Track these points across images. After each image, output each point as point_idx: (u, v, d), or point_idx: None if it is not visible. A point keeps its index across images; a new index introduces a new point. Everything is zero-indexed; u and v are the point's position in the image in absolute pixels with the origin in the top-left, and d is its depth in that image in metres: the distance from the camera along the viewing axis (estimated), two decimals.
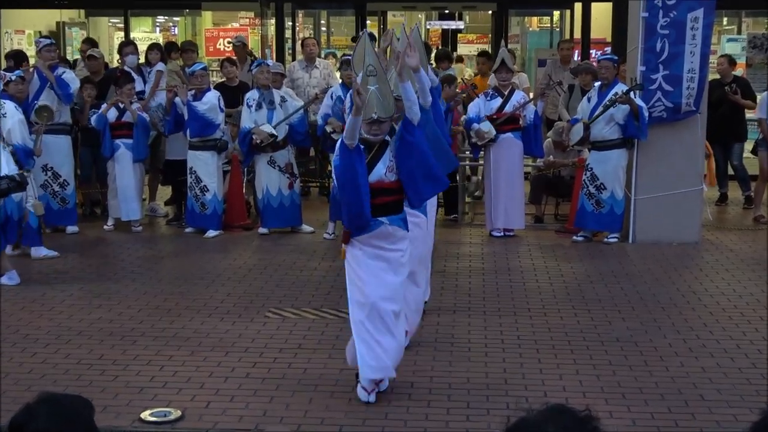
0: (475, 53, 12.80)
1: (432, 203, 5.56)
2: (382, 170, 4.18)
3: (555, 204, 9.40)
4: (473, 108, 8.51)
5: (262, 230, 8.51)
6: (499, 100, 8.44)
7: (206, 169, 8.45)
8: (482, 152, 8.56)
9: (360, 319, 4.22)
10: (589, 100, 8.27)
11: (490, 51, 11.89)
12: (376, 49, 4.41)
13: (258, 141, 8.32)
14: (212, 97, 8.42)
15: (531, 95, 9.25)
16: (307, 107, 8.71)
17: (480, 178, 10.52)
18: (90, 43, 10.36)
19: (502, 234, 8.43)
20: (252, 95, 8.45)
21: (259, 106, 8.38)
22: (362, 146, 4.16)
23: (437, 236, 7.55)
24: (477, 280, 6.84)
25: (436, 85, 5.86)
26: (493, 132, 8.34)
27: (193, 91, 8.44)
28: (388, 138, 4.25)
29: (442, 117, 5.63)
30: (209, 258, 7.57)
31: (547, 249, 7.94)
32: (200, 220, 8.52)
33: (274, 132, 8.34)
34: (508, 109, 8.37)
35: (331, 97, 8.29)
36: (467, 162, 9.42)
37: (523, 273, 7.07)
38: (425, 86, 5.04)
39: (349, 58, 8.19)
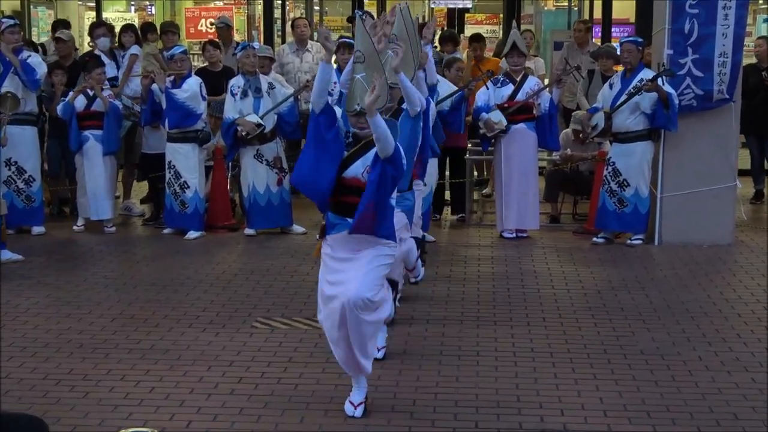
0: (486, 36, 12.77)
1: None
2: (360, 169, 4.17)
3: (573, 202, 9.41)
4: (481, 96, 8.50)
5: (249, 231, 8.52)
6: (510, 87, 8.43)
7: (186, 163, 8.45)
8: (491, 145, 8.59)
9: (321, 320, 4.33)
10: (611, 86, 8.27)
11: (501, 33, 11.89)
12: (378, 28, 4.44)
13: (243, 133, 8.33)
14: (193, 83, 8.43)
15: (546, 82, 9.26)
16: (298, 95, 8.72)
17: (486, 175, 10.55)
18: (63, 24, 10.33)
19: (514, 235, 8.43)
20: (237, 82, 8.45)
21: (244, 94, 8.39)
22: (350, 139, 4.18)
23: (443, 238, 7.56)
24: (486, 287, 6.85)
25: (433, 84, 5.89)
26: (504, 122, 8.33)
27: (172, 77, 8.45)
28: None
29: (429, 128, 5.74)
30: (190, 262, 7.58)
31: (563, 252, 7.95)
32: (180, 219, 8.53)
33: (261, 122, 8.35)
34: (520, 97, 8.37)
35: None
36: (476, 156, 9.43)
37: (538, 278, 7.08)
38: (409, 92, 5.08)
39: (346, 41, 8.22)
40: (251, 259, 7.70)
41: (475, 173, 10.23)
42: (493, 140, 8.49)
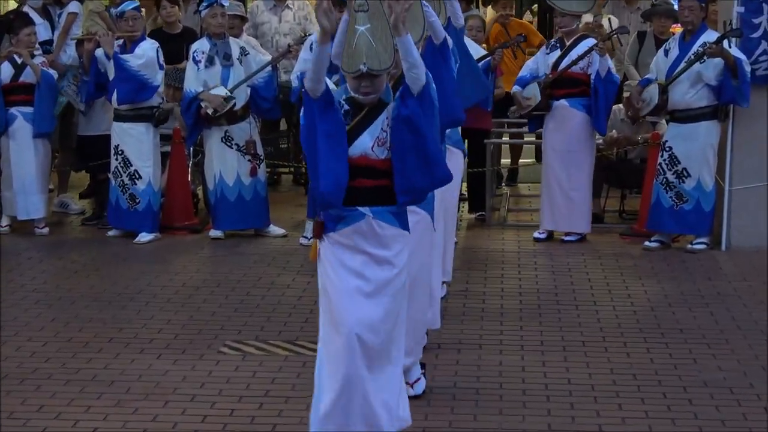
0: None
1: (449, 192, 5.58)
2: (368, 143, 4.23)
3: (620, 197, 9.41)
4: (530, 65, 8.53)
5: (215, 233, 8.52)
6: (557, 53, 8.41)
7: (138, 148, 8.46)
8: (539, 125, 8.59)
9: (328, 341, 4.26)
10: (666, 53, 8.27)
11: None
12: None
13: (209, 110, 8.32)
14: (148, 48, 8.43)
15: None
16: (277, 63, 8.71)
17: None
18: None
19: (544, 235, 8.45)
20: (200, 46, 8.44)
21: (210, 62, 8.38)
22: (347, 106, 4.23)
23: (458, 242, 7.57)
24: (512, 304, 6.85)
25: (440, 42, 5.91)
26: (537, 98, 8.33)
27: (122, 41, 8.47)
28: (385, 98, 4.28)
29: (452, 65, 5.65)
30: (141, 272, 7.58)
31: (609, 259, 7.96)
32: (129, 219, 8.53)
33: (230, 96, 8.35)
34: (566, 63, 8.33)
35: (311, 48, 8.25)
36: (500, 140, 9.44)
37: (576, 293, 7.08)
38: (434, 23, 5.15)
39: None
40: (218, 268, 7.69)
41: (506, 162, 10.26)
42: (536, 119, 8.53)
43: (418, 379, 5.18)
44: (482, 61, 7.97)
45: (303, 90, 4.23)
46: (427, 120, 4.25)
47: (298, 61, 8.30)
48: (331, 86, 4.27)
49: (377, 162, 4.25)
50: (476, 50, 8.14)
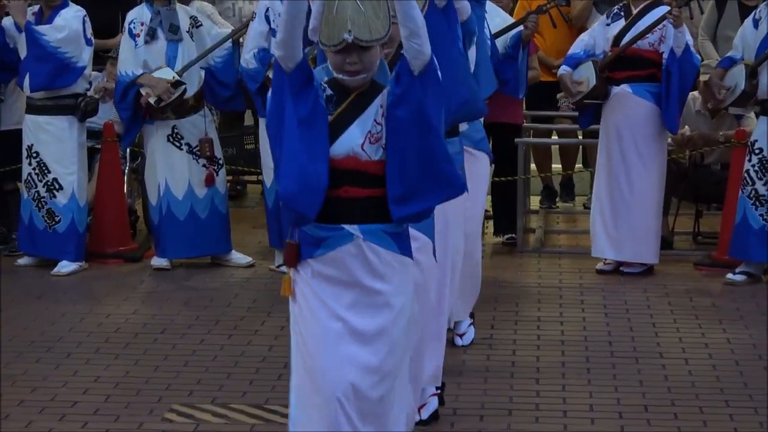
0: None
1: (472, 208, 5.65)
2: (357, 138, 4.22)
3: (694, 214, 9.42)
4: (585, 39, 8.52)
5: (159, 262, 8.53)
6: (621, 23, 8.38)
7: (59, 149, 8.48)
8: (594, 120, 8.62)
9: (301, 394, 4.31)
10: (756, 23, 8.27)
11: None
12: None
13: (151, 99, 8.32)
14: (72, 17, 8.44)
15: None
16: (240, 37, 8.68)
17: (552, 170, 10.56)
18: None
19: (610, 268, 8.46)
20: (138, 16, 8.46)
21: (151, 36, 8.40)
22: (330, 91, 4.22)
23: (482, 272, 7.54)
24: (551, 356, 6.85)
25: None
26: (592, 81, 8.29)
27: (37, 7, 8.46)
28: (379, 80, 4.29)
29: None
30: (62, 312, 7.56)
31: (680, 297, 7.95)
32: (46, 243, 8.53)
33: (179, 81, 8.36)
34: (630, 36, 8.32)
35: (266, 17, 8.18)
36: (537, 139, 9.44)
37: (636, 342, 7.07)
38: None
39: None
40: (163, 308, 7.68)
41: (556, 167, 10.30)
42: (589, 112, 8.55)
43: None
44: (511, 32, 7.99)
45: (274, 61, 4.22)
46: (432, 106, 4.23)
47: (248, 34, 8.26)
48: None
49: (369, 165, 4.23)
50: (503, 18, 8.16)
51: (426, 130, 4.21)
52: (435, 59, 4.22)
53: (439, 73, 4.25)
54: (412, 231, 4.57)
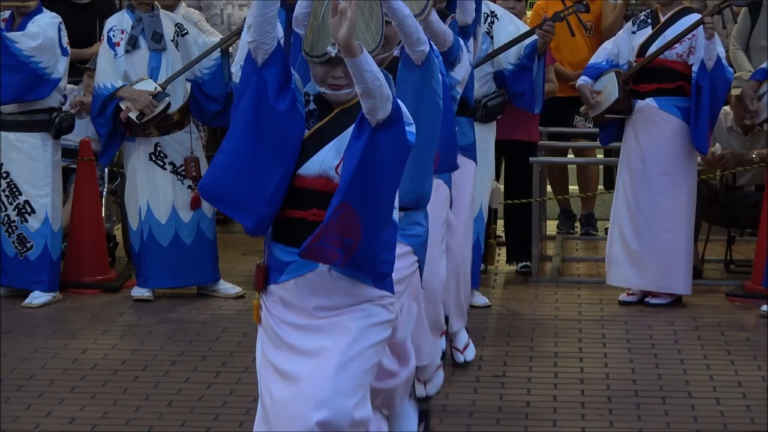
0: None
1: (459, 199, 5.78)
2: (332, 159, 4.22)
3: (726, 240, 9.42)
4: (608, 48, 8.49)
5: (140, 292, 8.51)
6: (647, 31, 8.36)
7: (31, 169, 8.47)
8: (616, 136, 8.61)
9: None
10: None
11: None
12: None
13: (132, 114, 8.31)
14: (47, 24, 8.44)
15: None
16: (229, 46, 8.69)
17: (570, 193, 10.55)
18: None
19: (634, 299, 8.44)
20: (119, 23, 8.46)
21: (132, 44, 8.40)
22: (314, 105, 4.23)
23: (492, 304, 7.51)
24: (569, 395, 6.82)
25: (466, 24, 5.92)
26: (615, 94, 8.26)
27: (8, 12, 8.47)
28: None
29: (450, 93, 5.78)
30: (34, 348, 7.55)
31: (710, 331, 7.93)
32: (17, 271, 8.51)
33: (164, 93, 8.32)
34: (657, 45, 8.32)
35: None
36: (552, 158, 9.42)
37: (663, 381, 7.05)
38: (406, 22, 5.09)
39: None
40: (145, 343, 7.66)
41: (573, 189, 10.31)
42: (609, 127, 8.55)
43: None
44: (526, 41, 7.99)
45: (245, 57, 4.24)
46: (386, 168, 4.16)
47: (239, 47, 8.28)
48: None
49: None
50: (516, 25, 8.16)
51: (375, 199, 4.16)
52: (400, 106, 4.16)
53: (405, 114, 4.19)
54: (403, 247, 4.76)
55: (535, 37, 8.04)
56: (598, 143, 9.15)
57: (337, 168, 4.18)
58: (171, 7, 8.81)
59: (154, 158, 8.48)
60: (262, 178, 4.17)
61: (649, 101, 8.32)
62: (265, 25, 4.13)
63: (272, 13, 4.14)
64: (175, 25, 8.54)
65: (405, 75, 5.20)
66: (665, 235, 8.29)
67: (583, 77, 8.42)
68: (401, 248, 4.89)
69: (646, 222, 8.33)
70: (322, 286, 4.25)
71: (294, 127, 4.18)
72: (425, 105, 5.25)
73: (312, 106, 4.25)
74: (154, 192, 8.47)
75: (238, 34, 8.57)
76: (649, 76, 8.31)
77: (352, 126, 4.17)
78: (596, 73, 8.35)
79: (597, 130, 8.84)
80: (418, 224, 5.36)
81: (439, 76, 5.33)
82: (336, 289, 4.25)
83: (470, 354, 6.98)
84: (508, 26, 7.96)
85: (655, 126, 8.32)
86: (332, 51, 4.10)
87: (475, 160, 6.81)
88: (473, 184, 6.89)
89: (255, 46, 4.15)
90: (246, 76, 4.24)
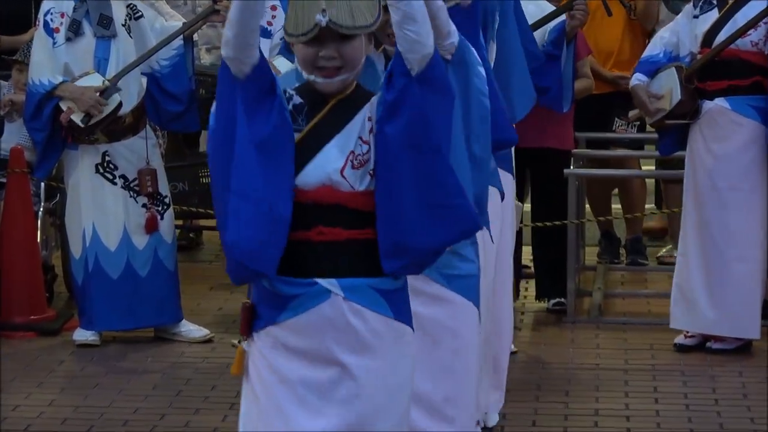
0: None
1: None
2: (336, 161, 4.23)
3: None
4: (664, 36, 8.51)
5: (84, 335, 8.53)
6: (713, 15, 8.33)
7: None
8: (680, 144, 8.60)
9: None
10: None
11: None
12: None
13: (75, 116, 8.32)
14: None
15: None
16: (193, 32, 8.77)
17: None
18: None
19: (693, 342, 8.44)
20: (57, 5, 8.49)
21: (75, 31, 8.42)
22: (300, 99, 4.24)
23: (521, 349, 7.51)
24: None
25: None
26: (677, 95, 8.27)
27: None
28: (367, 84, 4.34)
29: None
30: None
31: None
32: None
33: (114, 88, 8.34)
34: (727, 33, 8.29)
35: None
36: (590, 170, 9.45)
37: None
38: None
39: None
40: (90, 398, 7.66)
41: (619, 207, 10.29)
42: (673, 134, 8.52)
43: None
44: (552, 24, 7.99)
45: (221, 65, 4.22)
46: (439, 117, 4.24)
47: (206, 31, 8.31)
48: (285, 65, 4.28)
49: (352, 197, 4.22)
50: (538, 5, 8.17)
51: (428, 151, 4.19)
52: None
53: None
54: (444, 291, 4.76)
55: (562, 18, 8.03)
56: (642, 152, 9.17)
57: (342, 171, 4.18)
58: None
59: (101, 170, 8.48)
60: (276, 195, 4.18)
61: (720, 102, 8.28)
62: (249, 39, 4.14)
63: (255, 25, 4.14)
64: (127, 7, 8.53)
65: None
66: (738, 265, 8.26)
67: (637, 75, 8.40)
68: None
69: (717, 251, 8.28)
70: (337, 320, 4.25)
71: (286, 137, 4.19)
72: (474, 108, 5.26)
73: (297, 100, 4.23)
74: (102, 212, 8.47)
75: (205, 18, 8.66)
76: (718, 72, 8.27)
77: (354, 119, 4.21)
78: (653, 69, 8.33)
79: (641, 135, 8.84)
80: (468, 260, 5.38)
81: (480, 69, 5.33)
82: (350, 326, 4.26)
83: (493, 417, 6.93)
84: (528, 6, 7.90)
85: (728, 131, 8.29)
86: (322, 19, 4.10)
87: (512, 172, 6.77)
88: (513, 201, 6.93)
89: (236, 59, 4.15)
90: (226, 95, 4.22)
